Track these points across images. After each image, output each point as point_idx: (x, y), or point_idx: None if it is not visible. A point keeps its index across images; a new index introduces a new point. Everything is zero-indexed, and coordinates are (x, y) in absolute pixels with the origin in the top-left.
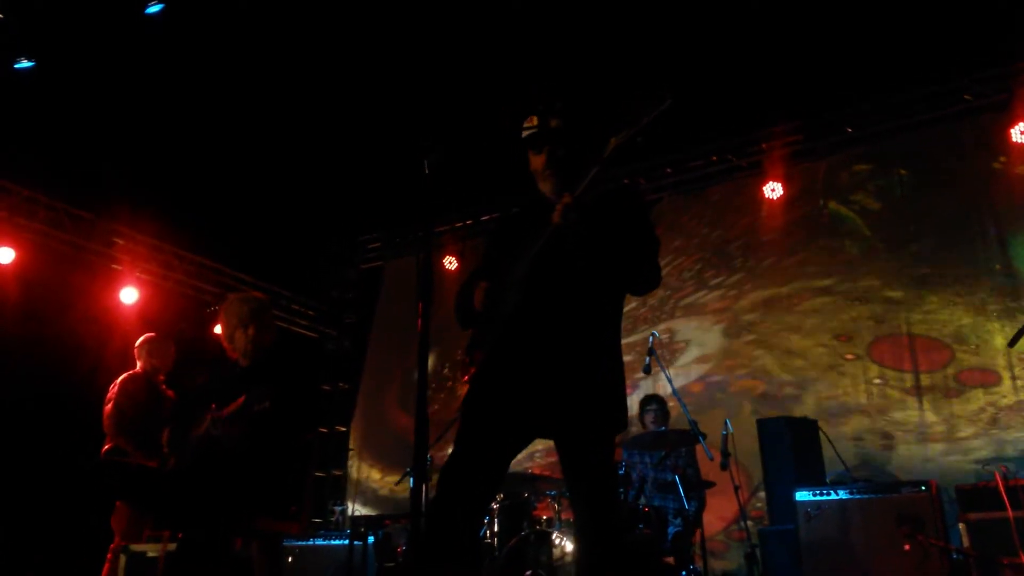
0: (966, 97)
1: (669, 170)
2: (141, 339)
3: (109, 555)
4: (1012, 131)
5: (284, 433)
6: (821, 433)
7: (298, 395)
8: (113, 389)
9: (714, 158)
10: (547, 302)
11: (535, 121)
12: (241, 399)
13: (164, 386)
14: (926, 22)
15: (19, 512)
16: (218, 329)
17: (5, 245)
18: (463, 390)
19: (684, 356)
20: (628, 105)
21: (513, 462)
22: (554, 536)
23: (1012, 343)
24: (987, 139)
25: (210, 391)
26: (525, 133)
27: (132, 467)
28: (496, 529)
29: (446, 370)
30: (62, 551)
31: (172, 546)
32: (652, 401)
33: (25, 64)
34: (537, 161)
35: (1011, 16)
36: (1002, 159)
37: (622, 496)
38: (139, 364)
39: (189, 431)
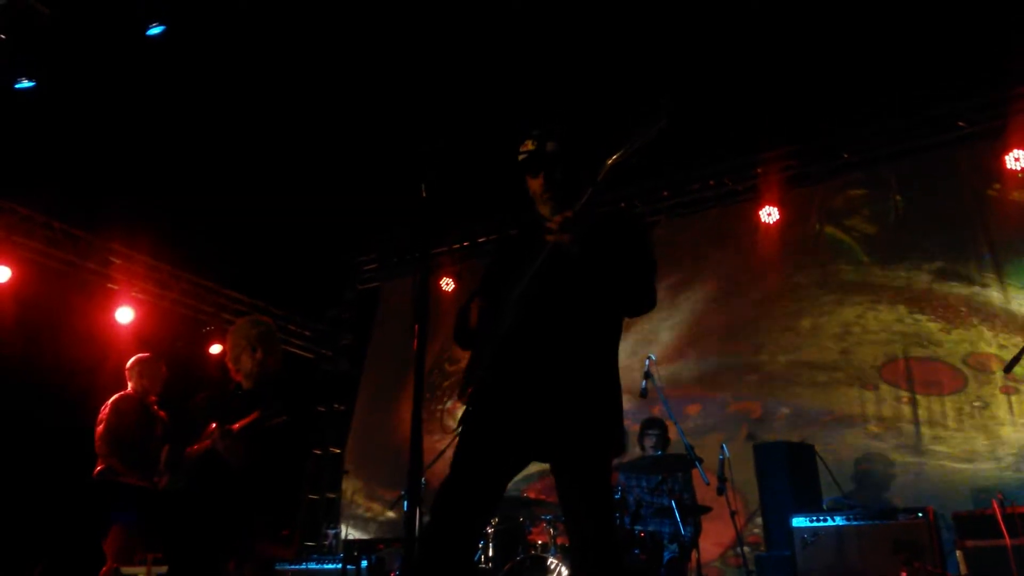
0: (960, 124)
1: (666, 193)
2: (132, 360)
3: None
4: (1006, 158)
5: (295, 451)
6: (818, 458)
7: (308, 414)
8: (105, 410)
9: (711, 182)
10: (544, 321)
11: (530, 145)
12: (255, 414)
13: (156, 407)
14: (921, 48)
15: (11, 532)
16: (215, 349)
17: (1, 264)
18: (459, 412)
19: (680, 379)
20: (624, 127)
21: (508, 486)
22: (549, 561)
23: (1008, 369)
24: (982, 165)
25: (212, 410)
26: (521, 157)
27: (128, 487)
28: (491, 554)
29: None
30: (54, 573)
31: (156, 570)
32: (654, 425)
33: (25, 84)
34: (535, 185)
35: (1006, 43)
36: (996, 186)
37: (618, 521)
38: (130, 385)
39: (185, 450)
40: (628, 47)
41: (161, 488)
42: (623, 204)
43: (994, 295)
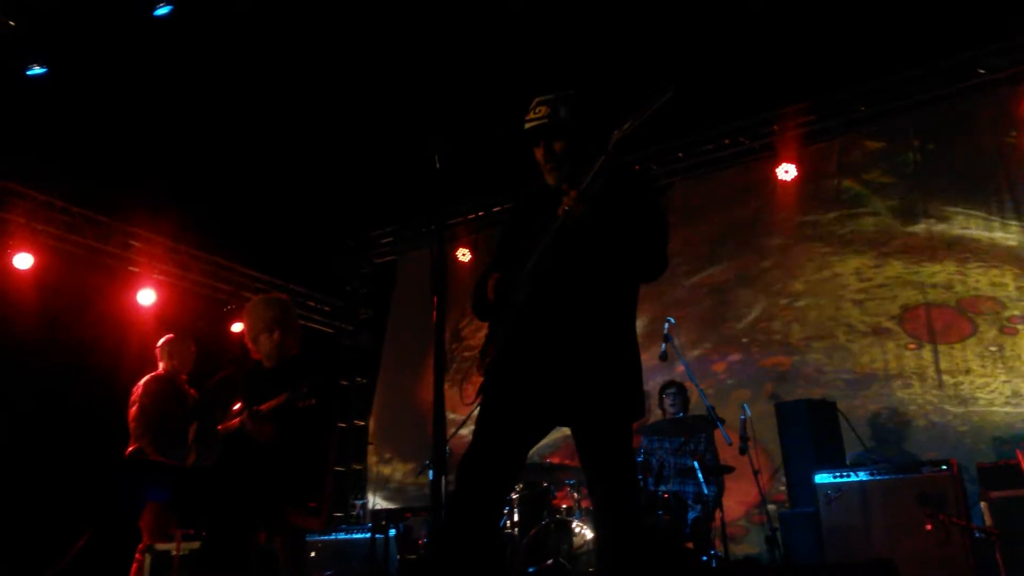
0: (979, 71)
1: (681, 154)
2: (162, 340)
3: (138, 555)
4: None
5: (324, 429)
6: (840, 414)
7: (335, 391)
8: (137, 391)
9: (726, 141)
10: (558, 292)
11: (531, 114)
12: (283, 396)
13: (186, 385)
14: None
15: (42, 514)
16: (237, 328)
17: (23, 251)
18: (480, 381)
19: (702, 338)
20: (631, 97)
21: (531, 452)
22: (574, 524)
23: None
24: (1002, 113)
25: (235, 389)
26: (526, 126)
27: (160, 466)
28: (516, 519)
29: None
30: (88, 553)
31: (186, 547)
32: (671, 386)
33: (37, 71)
34: (538, 154)
35: None
36: (1013, 134)
37: (641, 483)
38: (161, 365)
39: (214, 427)
40: (641, 7)
41: (189, 464)
42: (637, 167)
43: (1016, 242)
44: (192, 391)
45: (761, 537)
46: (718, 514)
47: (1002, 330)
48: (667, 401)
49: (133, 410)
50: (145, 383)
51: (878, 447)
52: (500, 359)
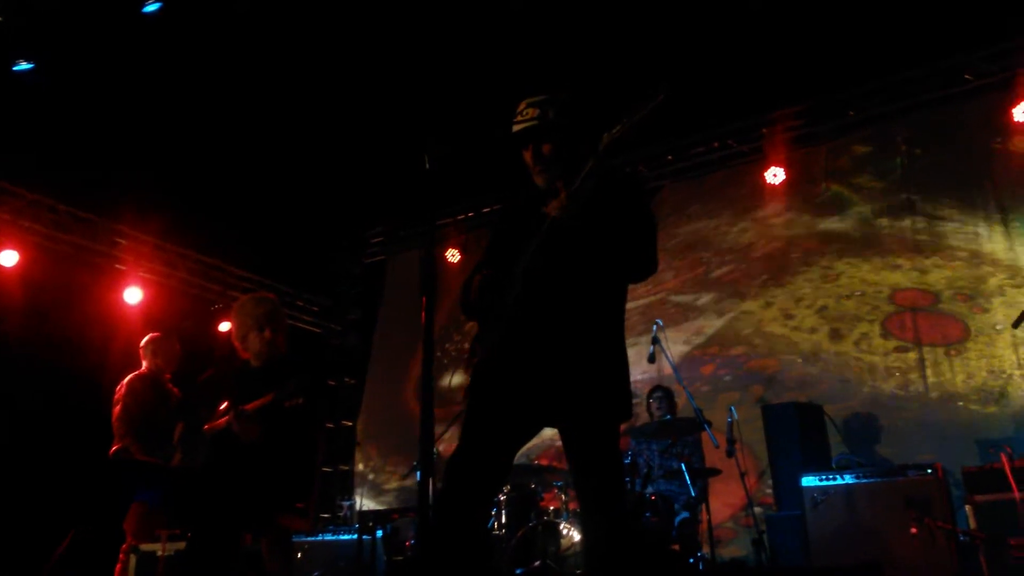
0: (967, 77)
1: (670, 157)
2: (146, 339)
3: (122, 555)
4: (1014, 111)
5: (311, 429)
6: (826, 417)
7: (322, 391)
8: (120, 390)
9: (716, 144)
10: (547, 293)
11: (520, 117)
12: (270, 396)
13: (170, 384)
14: (926, 1)
15: (27, 513)
16: (224, 327)
17: (9, 248)
18: (467, 382)
19: (690, 341)
20: (621, 99)
21: (519, 453)
22: (562, 526)
23: (1016, 324)
24: (990, 119)
25: (222, 388)
26: (514, 128)
27: (145, 466)
28: (504, 520)
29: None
30: (72, 552)
31: (171, 547)
32: (658, 390)
33: (24, 66)
34: (527, 156)
35: None
36: (999, 140)
37: (628, 484)
38: (144, 364)
39: (199, 426)
40: (631, 9)
41: (174, 464)
42: (627, 169)
43: (1000, 246)
44: (176, 390)
45: (748, 540)
46: (704, 516)
47: (989, 334)
48: (654, 405)
49: (117, 409)
50: (128, 382)
51: (864, 450)
52: (488, 359)
